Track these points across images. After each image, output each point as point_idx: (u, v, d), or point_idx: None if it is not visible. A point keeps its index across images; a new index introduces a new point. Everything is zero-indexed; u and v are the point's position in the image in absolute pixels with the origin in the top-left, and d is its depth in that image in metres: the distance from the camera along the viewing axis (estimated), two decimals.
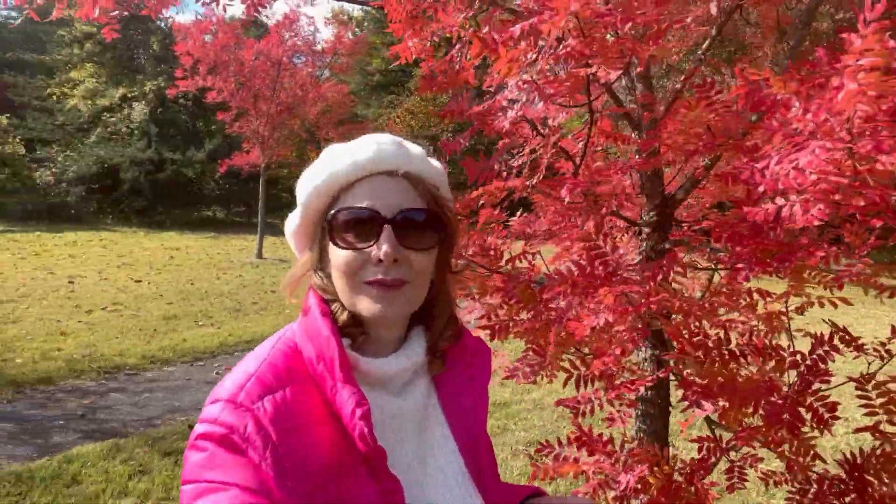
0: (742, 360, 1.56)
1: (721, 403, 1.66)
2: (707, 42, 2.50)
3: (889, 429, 1.77)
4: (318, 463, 0.81)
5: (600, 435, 1.72)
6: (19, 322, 8.20)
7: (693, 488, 1.64)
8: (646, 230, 2.45)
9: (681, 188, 2.39)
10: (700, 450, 1.71)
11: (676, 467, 1.72)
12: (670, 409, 2.46)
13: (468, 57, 1.74)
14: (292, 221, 0.99)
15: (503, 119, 1.69)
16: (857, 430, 1.69)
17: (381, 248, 0.87)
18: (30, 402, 5.50)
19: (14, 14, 32.34)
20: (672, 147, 1.79)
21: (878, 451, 1.73)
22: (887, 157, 1.03)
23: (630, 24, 1.44)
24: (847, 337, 1.79)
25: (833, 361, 1.62)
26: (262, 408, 0.81)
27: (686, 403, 1.59)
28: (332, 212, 0.91)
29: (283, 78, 14.50)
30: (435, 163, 0.99)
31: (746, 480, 1.68)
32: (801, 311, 1.95)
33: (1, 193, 21.28)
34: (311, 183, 0.94)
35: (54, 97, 26.22)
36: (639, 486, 1.68)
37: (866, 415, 1.77)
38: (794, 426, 1.50)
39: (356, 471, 0.84)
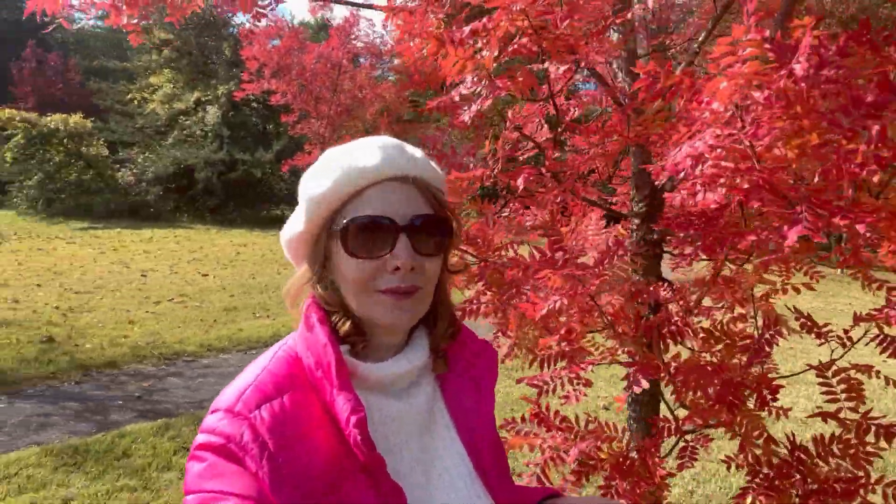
0: (678, 339, 1.62)
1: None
2: (703, 35, 2.52)
3: (852, 416, 1.78)
4: (317, 470, 0.81)
5: (556, 412, 1.81)
6: (93, 311, 8.82)
7: (645, 465, 1.70)
8: (635, 221, 2.50)
9: (669, 179, 2.43)
10: (653, 429, 1.77)
11: (632, 445, 1.79)
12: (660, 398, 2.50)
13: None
14: (293, 228, 0.97)
15: (468, 112, 1.79)
16: (811, 416, 1.71)
17: (400, 258, 0.87)
18: (95, 384, 5.96)
19: (100, 24, 34.43)
20: (633, 139, 1.85)
21: (838, 437, 1.75)
22: (765, 142, 1.09)
23: (568, 21, 1.52)
24: (809, 323, 1.81)
25: (777, 345, 1.65)
26: (259, 416, 0.82)
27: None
28: (346, 220, 0.89)
29: (343, 80, 14.89)
30: (435, 165, 0.99)
31: (696, 459, 1.73)
32: (765, 297, 1.97)
33: (87, 193, 22.67)
34: (316, 190, 0.91)
35: (135, 102, 27.79)
36: (592, 462, 1.76)
37: (828, 401, 1.79)
38: (734, 405, 1.54)
39: (356, 477, 0.83)
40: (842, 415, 1.76)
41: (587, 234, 2.34)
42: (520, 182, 1.73)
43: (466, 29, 1.60)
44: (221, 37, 26.18)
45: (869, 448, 1.74)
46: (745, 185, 1.13)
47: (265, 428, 0.81)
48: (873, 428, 1.72)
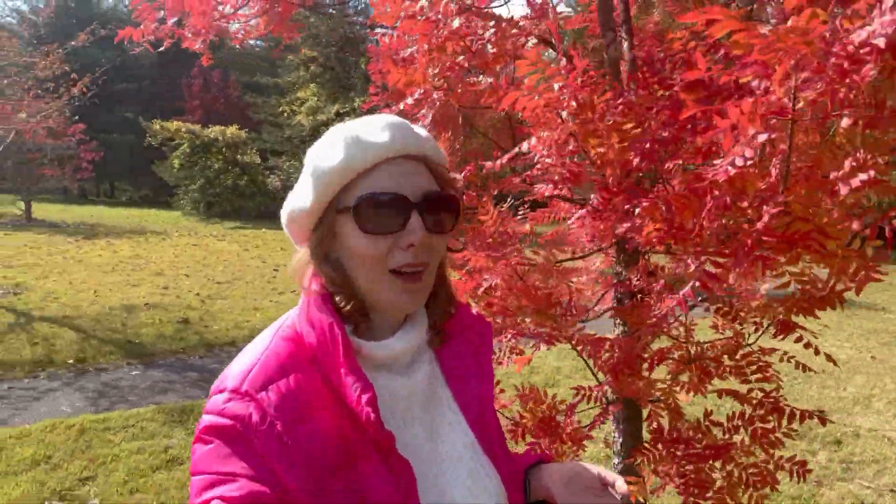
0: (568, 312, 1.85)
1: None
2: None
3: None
4: (326, 449, 0.81)
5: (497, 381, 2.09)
6: (227, 299, 9.96)
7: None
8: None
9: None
10: (575, 395, 1.99)
11: (560, 409, 2.02)
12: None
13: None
14: (298, 205, 0.93)
15: (423, 119, 2.14)
16: (709, 392, 1.87)
17: (414, 234, 0.87)
18: (215, 359, 6.85)
19: (259, 43, 37.75)
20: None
21: (744, 414, 1.89)
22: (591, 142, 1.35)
23: (481, 42, 1.83)
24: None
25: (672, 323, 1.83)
26: (267, 397, 0.81)
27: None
28: (360, 196, 0.87)
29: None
30: (439, 147, 0.98)
31: (604, 422, 1.94)
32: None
33: (241, 197, 25.10)
34: (327, 163, 0.89)
35: (284, 114, 30.34)
36: (522, 422, 2.02)
37: (741, 382, 1.93)
38: (620, 372, 1.76)
39: (365, 455, 0.84)
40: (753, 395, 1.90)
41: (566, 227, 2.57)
42: (460, 179, 2.04)
43: (407, 52, 1.95)
44: (359, 52, 27.91)
45: (775, 426, 1.87)
46: (556, 178, 1.39)
47: (273, 408, 0.80)
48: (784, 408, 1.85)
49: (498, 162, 1.62)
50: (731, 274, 1.18)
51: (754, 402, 1.87)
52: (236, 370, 0.85)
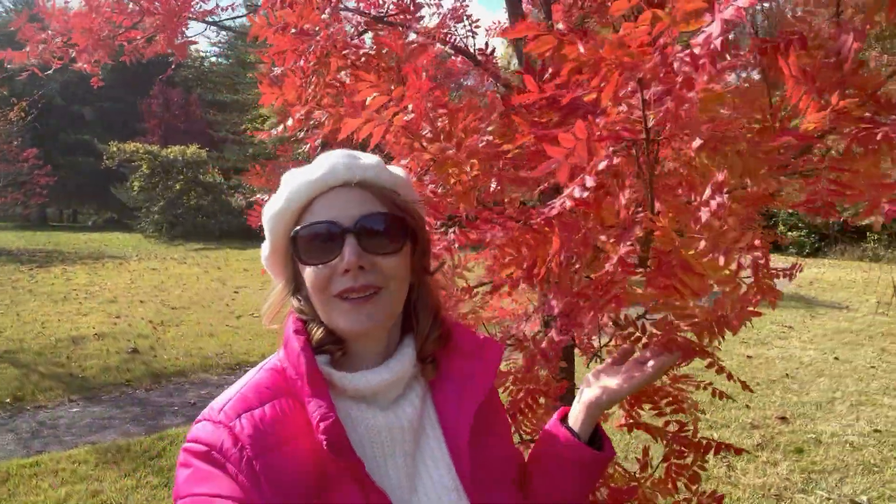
0: None
1: None
2: None
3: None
4: (297, 475, 0.84)
5: None
6: (181, 325, 9.65)
7: None
8: None
9: None
10: None
11: None
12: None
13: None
14: (263, 252, 1.01)
15: (311, 141, 1.98)
16: (620, 426, 1.72)
17: (344, 258, 0.89)
18: (162, 392, 6.56)
19: (222, 60, 37.36)
20: None
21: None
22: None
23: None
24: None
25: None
26: (239, 425, 0.85)
27: None
28: (295, 229, 0.93)
29: None
30: (395, 170, 1.00)
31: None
32: None
33: (204, 216, 24.70)
34: (271, 209, 0.96)
35: (247, 131, 30.01)
36: None
37: (656, 415, 1.79)
38: (516, 410, 1.62)
39: (341, 483, 0.86)
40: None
41: None
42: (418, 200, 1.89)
43: (277, 70, 1.79)
44: None
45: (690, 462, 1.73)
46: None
47: (245, 435, 0.84)
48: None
49: None
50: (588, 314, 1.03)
51: (668, 436, 1.74)
52: (218, 401, 0.91)
